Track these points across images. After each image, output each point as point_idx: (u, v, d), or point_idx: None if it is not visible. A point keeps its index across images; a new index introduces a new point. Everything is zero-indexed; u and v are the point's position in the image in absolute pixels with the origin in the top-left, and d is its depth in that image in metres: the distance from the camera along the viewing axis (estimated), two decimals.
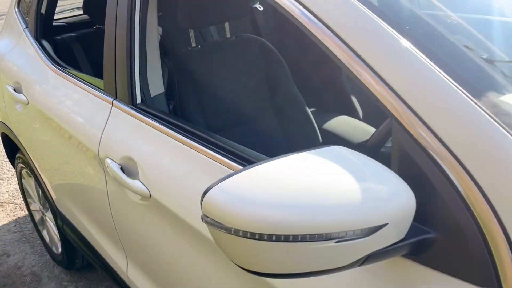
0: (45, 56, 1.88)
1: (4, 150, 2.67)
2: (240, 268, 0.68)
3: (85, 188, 1.65)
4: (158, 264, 1.33)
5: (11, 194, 3.25)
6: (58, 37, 2.28)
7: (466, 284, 0.65)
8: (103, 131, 1.41)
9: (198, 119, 1.57)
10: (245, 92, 1.70)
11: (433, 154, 0.67)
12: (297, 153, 0.68)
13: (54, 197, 2.00)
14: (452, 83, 0.70)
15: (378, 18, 0.78)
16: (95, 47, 1.71)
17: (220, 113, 1.64)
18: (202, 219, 0.67)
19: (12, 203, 3.15)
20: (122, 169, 1.28)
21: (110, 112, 1.42)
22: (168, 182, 1.16)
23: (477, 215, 0.63)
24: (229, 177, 0.65)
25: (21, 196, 2.90)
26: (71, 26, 2.52)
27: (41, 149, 1.95)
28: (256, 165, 0.66)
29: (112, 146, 1.36)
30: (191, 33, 2.16)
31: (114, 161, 1.31)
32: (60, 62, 1.83)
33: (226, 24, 2.19)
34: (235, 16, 1.70)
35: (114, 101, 1.42)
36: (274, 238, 0.60)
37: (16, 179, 3.18)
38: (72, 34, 2.36)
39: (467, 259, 0.65)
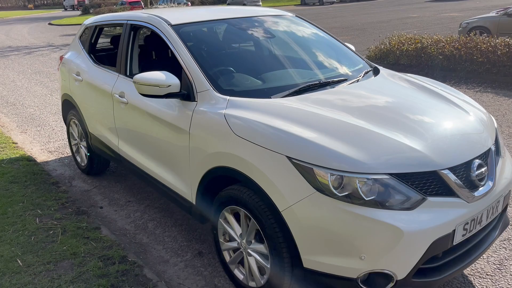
0: (91, 60, 4.13)
1: (54, 121, 4.88)
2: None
3: (103, 111, 3.81)
4: (133, 138, 3.45)
5: (56, 148, 5.44)
6: (97, 53, 4.53)
7: None
8: (113, 86, 3.59)
9: None
10: None
11: None
12: None
13: (89, 126, 4.17)
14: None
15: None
16: (114, 58, 3.92)
17: None
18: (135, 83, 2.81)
19: (56, 151, 5.32)
20: (118, 95, 3.45)
21: (116, 79, 3.60)
22: (134, 98, 3.30)
23: None
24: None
25: (61, 149, 5.09)
26: (103, 49, 4.79)
27: (86, 103, 4.14)
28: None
29: (115, 89, 3.53)
30: None
31: (116, 94, 3.49)
32: (97, 62, 4.07)
33: None
34: None
35: (119, 74, 3.60)
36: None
37: (58, 141, 5.38)
38: (104, 53, 4.62)
39: None
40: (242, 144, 2.39)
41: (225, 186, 2.62)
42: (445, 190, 2.18)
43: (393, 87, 3.10)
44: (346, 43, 3.84)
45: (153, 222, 3.57)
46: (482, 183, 2.32)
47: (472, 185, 2.27)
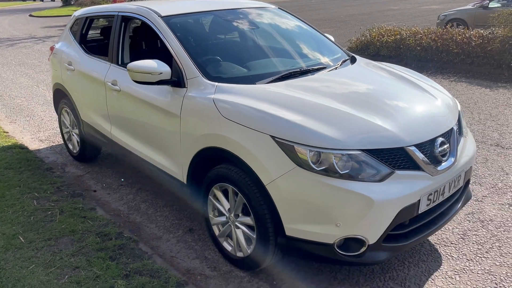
0: (82, 50, 4.29)
1: (44, 113, 5.03)
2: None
3: (96, 99, 3.99)
4: (126, 123, 3.65)
5: (47, 137, 5.58)
6: (88, 44, 4.69)
7: None
8: (106, 74, 3.77)
9: None
10: None
11: None
12: None
13: (81, 114, 4.34)
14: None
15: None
16: (105, 47, 4.09)
17: None
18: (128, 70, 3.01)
19: (47, 140, 5.47)
20: (111, 83, 3.64)
21: (109, 68, 3.78)
22: (127, 85, 3.49)
23: None
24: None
25: (51, 138, 5.24)
26: (94, 39, 4.94)
27: (79, 91, 4.31)
28: None
29: (108, 78, 3.72)
30: None
31: (109, 82, 3.67)
32: (88, 52, 4.24)
33: None
34: None
35: (111, 64, 3.78)
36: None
37: (48, 130, 5.53)
38: (94, 43, 4.77)
39: None
40: (230, 126, 2.62)
41: (214, 165, 2.85)
42: (411, 164, 2.45)
43: (368, 74, 3.37)
44: (325, 34, 4.09)
45: (145, 203, 3.79)
46: (445, 159, 2.59)
47: (435, 160, 2.54)
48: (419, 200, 2.45)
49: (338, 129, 2.42)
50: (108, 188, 4.10)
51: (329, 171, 2.33)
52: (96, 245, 2.93)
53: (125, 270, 2.67)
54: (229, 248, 2.91)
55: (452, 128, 2.74)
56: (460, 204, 2.88)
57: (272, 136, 2.44)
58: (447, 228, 3.21)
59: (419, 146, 2.48)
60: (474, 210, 3.44)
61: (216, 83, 2.89)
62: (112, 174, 4.41)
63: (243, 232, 2.75)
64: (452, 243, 3.04)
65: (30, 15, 32.52)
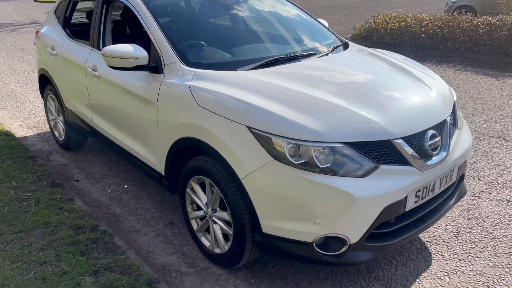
0: (65, 34, 4.12)
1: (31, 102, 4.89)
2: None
3: (78, 85, 3.83)
4: (106, 111, 3.49)
5: (36, 124, 5.45)
6: (73, 28, 4.52)
7: None
8: (87, 59, 3.60)
9: None
10: None
11: None
12: None
13: (65, 101, 4.19)
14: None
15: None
16: (88, 31, 3.93)
17: None
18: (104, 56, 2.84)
19: (36, 127, 5.34)
20: (91, 69, 3.47)
21: (90, 53, 3.62)
22: (106, 71, 3.33)
23: None
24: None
25: (40, 124, 5.12)
26: (80, 23, 4.77)
27: (61, 77, 4.16)
28: None
29: (88, 63, 3.55)
30: None
31: (89, 68, 3.51)
32: (72, 36, 4.06)
33: None
34: None
35: (92, 48, 3.62)
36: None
37: (38, 117, 5.40)
38: (80, 27, 4.60)
39: None
40: (206, 115, 2.45)
41: (192, 157, 2.69)
42: (398, 158, 2.27)
43: (359, 61, 3.17)
44: (319, 19, 3.88)
45: (128, 194, 3.64)
46: (435, 153, 2.41)
47: (425, 154, 2.36)
48: (406, 197, 2.27)
49: (319, 120, 2.25)
50: (92, 178, 3.97)
51: (309, 165, 2.16)
52: (68, 239, 2.80)
53: (95, 266, 2.53)
54: (207, 243, 2.77)
55: (445, 120, 2.55)
56: (453, 201, 2.70)
57: (248, 127, 2.27)
58: (439, 225, 3.04)
59: (408, 139, 2.30)
60: (470, 206, 3.26)
61: (194, 69, 2.71)
62: (98, 163, 4.27)
63: (221, 227, 2.59)
64: (444, 241, 2.87)
65: (35, 0, 32.31)
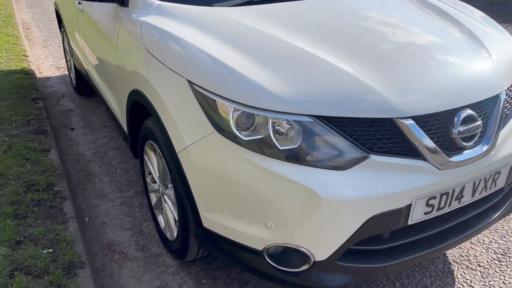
0: None
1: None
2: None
3: (73, 23, 3.38)
4: (89, 52, 3.01)
5: (65, 65, 5.20)
6: None
7: None
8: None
9: None
10: None
11: None
12: None
13: (70, 41, 3.79)
14: None
15: None
16: None
17: None
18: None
19: (63, 68, 5.08)
20: (77, 2, 2.97)
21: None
22: (86, 3, 2.82)
23: None
24: None
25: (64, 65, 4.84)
26: None
27: (66, 14, 3.74)
28: None
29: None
30: None
31: (77, 1, 3.01)
32: None
33: None
34: None
35: None
36: None
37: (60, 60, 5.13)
38: None
39: None
40: (150, 62, 1.85)
41: (149, 115, 2.12)
42: (403, 147, 1.51)
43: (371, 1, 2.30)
44: None
45: (115, 151, 3.20)
46: (469, 144, 1.60)
47: (451, 145, 1.56)
48: (410, 205, 1.52)
49: (289, 81, 1.54)
50: (88, 128, 3.58)
51: (262, 144, 1.49)
52: (13, 197, 2.42)
53: (21, 235, 2.12)
54: (162, 224, 2.23)
55: (498, 96, 1.69)
56: (499, 213, 1.87)
57: (189, 82, 1.63)
58: (479, 240, 2.21)
59: (423, 119, 1.52)
60: None
61: (157, 1, 2.08)
62: (102, 112, 3.88)
63: (170, 209, 2.04)
64: (480, 266, 2.06)
65: None
